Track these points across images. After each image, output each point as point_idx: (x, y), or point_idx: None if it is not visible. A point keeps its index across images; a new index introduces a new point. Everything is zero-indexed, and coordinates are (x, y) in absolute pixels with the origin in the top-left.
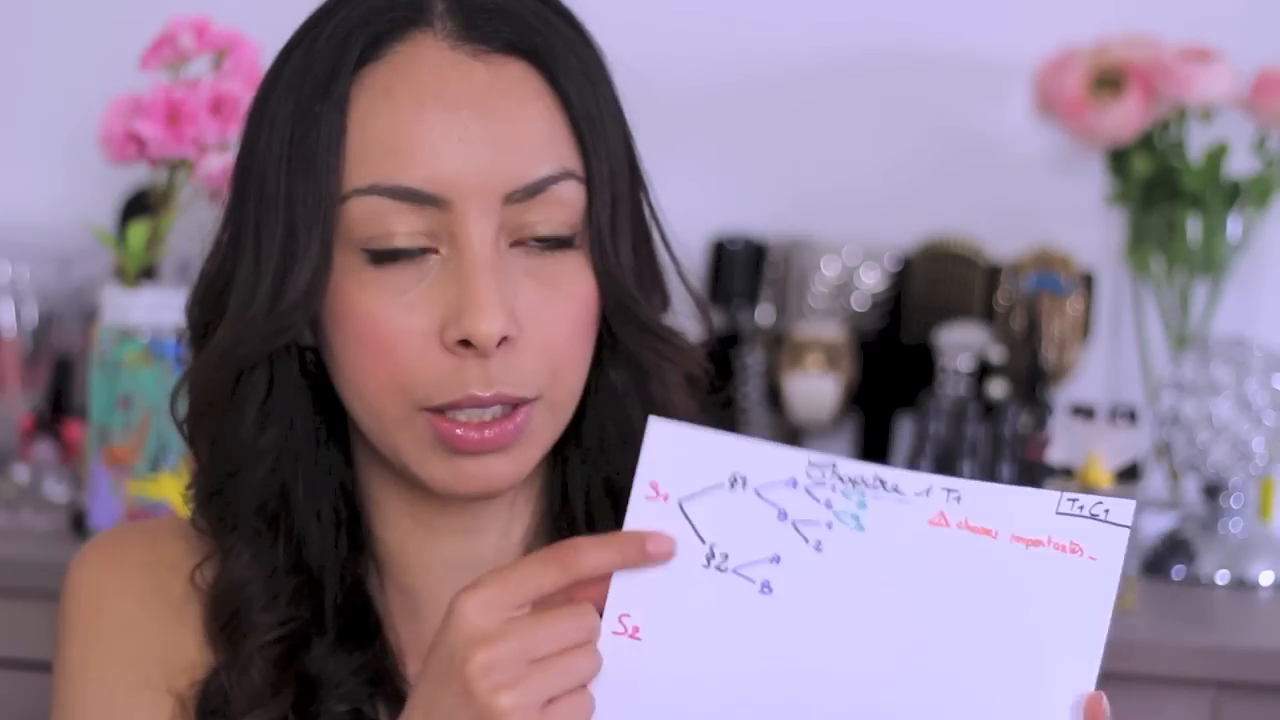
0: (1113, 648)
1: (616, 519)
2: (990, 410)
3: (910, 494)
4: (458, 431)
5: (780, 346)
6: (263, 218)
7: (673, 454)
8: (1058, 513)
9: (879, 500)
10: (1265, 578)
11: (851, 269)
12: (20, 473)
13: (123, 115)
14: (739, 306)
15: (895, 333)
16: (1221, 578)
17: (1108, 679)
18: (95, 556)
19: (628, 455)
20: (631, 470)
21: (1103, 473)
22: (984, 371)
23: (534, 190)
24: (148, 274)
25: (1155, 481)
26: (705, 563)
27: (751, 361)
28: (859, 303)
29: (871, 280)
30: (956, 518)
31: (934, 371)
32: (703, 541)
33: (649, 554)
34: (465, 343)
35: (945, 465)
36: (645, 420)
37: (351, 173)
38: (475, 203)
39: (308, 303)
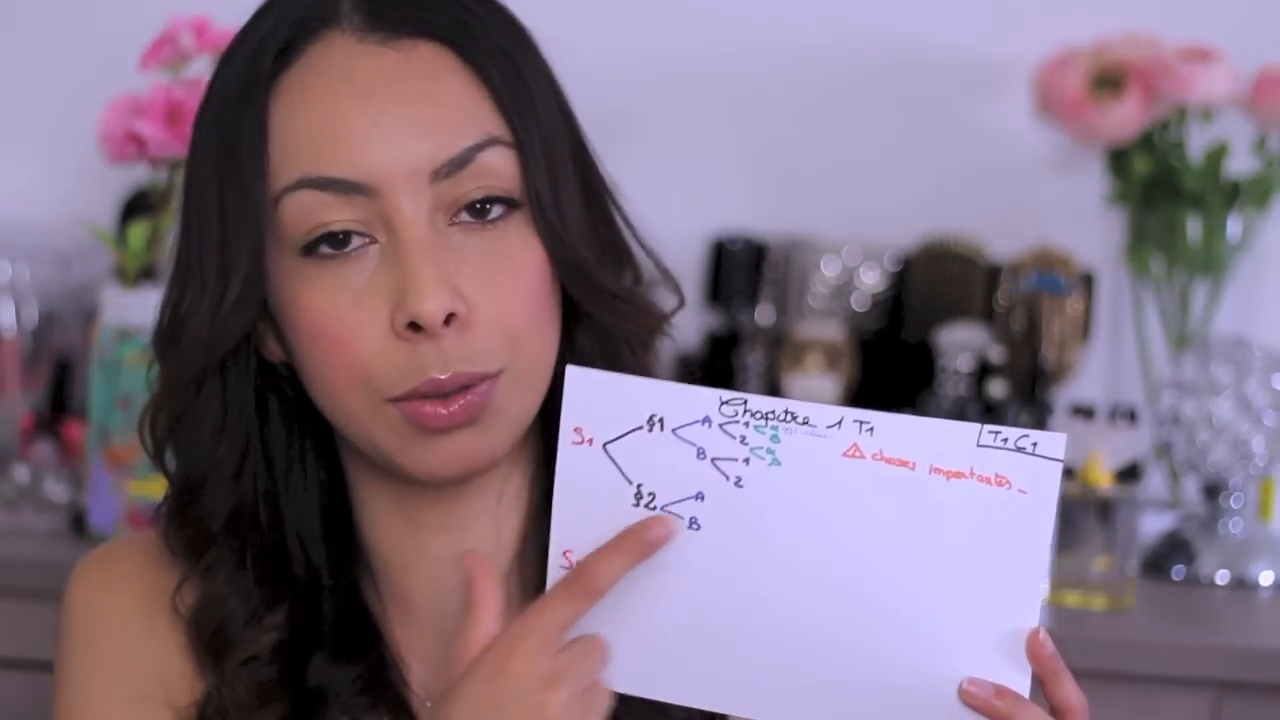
0: (1113, 648)
1: None
2: (990, 410)
3: (821, 426)
4: (425, 409)
5: (780, 346)
6: (203, 240)
7: (592, 399)
8: (979, 445)
9: (791, 435)
10: (1265, 578)
11: (851, 269)
12: (20, 473)
13: (123, 115)
14: (739, 306)
15: (895, 333)
16: (1221, 578)
17: (1108, 679)
18: (92, 573)
19: None
20: None
21: (1103, 473)
22: (984, 371)
23: (460, 163)
24: (148, 274)
25: (1155, 481)
26: (635, 502)
27: (751, 361)
28: (859, 303)
29: (871, 280)
30: (871, 449)
31: (934, 371)
32: (629, 482)
33: (653, 542)
34: (414, 326)
35: None
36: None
37: (278, 175)
38: (403, 185)
39: (242, 309)
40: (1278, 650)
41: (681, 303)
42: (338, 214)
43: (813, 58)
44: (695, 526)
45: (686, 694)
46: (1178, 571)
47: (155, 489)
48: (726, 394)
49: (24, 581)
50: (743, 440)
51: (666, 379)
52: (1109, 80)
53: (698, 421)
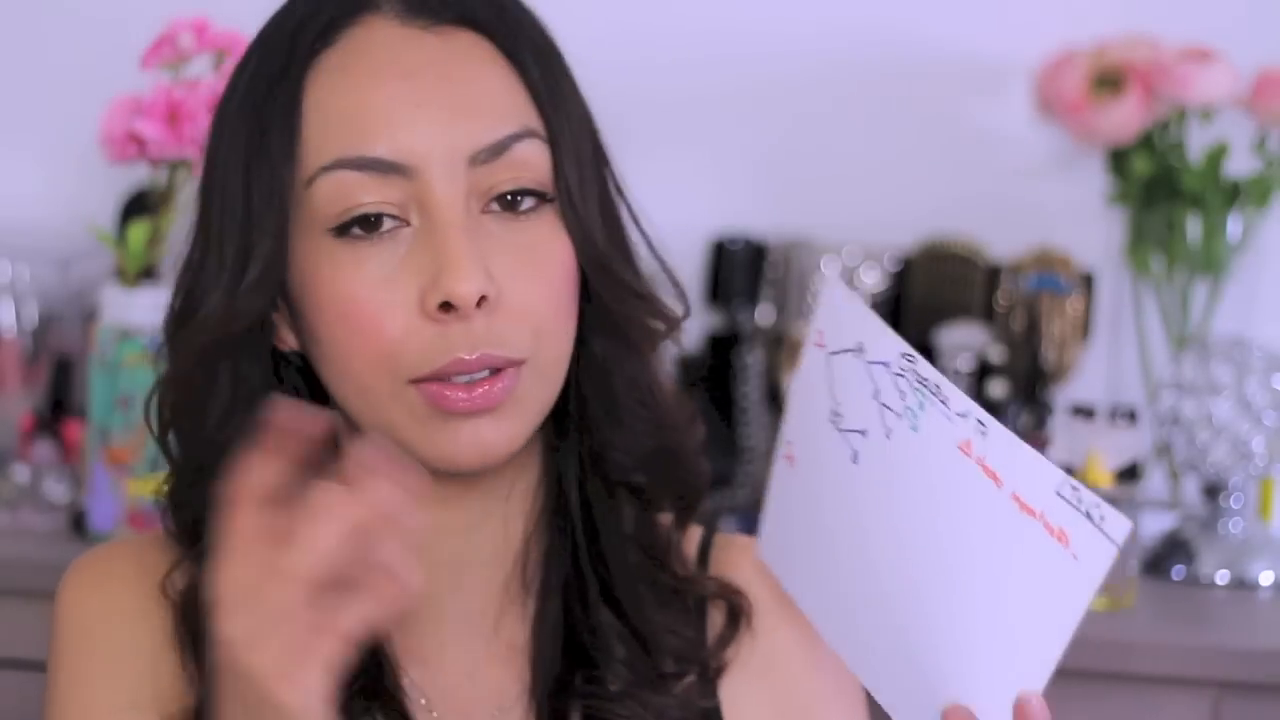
0: (1113, 648)
1: (605, 507)
2: (990, 410)
3: (953, 411)
4: (446, 393)
5: (780, 346)
6: (225, 222)
7: (833, 311)
8: (1057, 493)
9: (932, 407)
10: (1265, 578)
11: (851, 269)
12: (20, 473)
13: (123, 115)
14: (739, 306)
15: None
16: (1221, 578)
17: (1108, 679)
18: (83, 577)
19: (613, 431)
20: (617, 446)
21: (1103, 473)
22: (984, 371)
23: (498, 150)
24: (148, 274)
25: (1155, 481)
26: (829, 416)
27: (751, 361)
28: None
29: (871, 280)
30: (978, 451)
31: None
32: (832, 397)
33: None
34: (445, 307)
35: None
36: (627, 394)
37: (314, 154)
38: (441, 167)
39: (261, 289)
40: (1278, 650)
41: (687, 311)
42: (374, 195)
43: (813, 58)
44: (855, 461)
45: (804, 598)
46: (1178, 571)
47: (155, 489)
48: (907, 348)
49: (24, 581)
50: (902, 396)
51: (667, 382)
52: (1109, 80)
53: (882, 363)
